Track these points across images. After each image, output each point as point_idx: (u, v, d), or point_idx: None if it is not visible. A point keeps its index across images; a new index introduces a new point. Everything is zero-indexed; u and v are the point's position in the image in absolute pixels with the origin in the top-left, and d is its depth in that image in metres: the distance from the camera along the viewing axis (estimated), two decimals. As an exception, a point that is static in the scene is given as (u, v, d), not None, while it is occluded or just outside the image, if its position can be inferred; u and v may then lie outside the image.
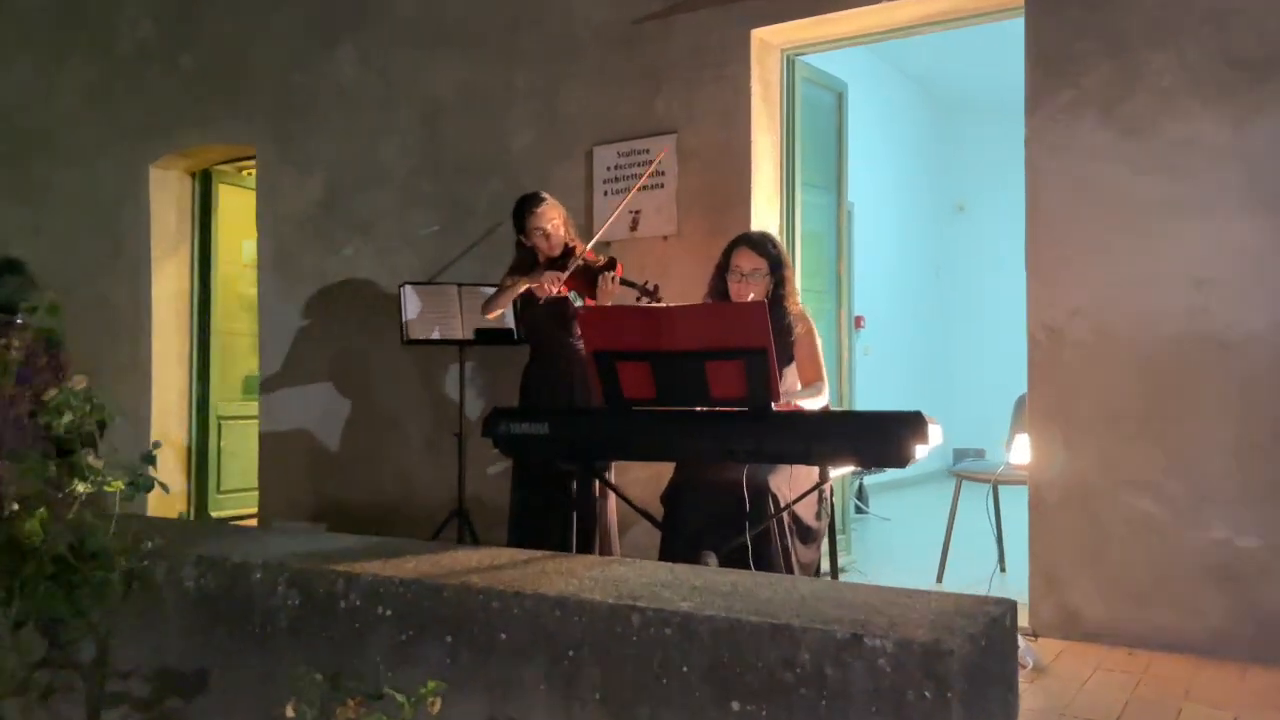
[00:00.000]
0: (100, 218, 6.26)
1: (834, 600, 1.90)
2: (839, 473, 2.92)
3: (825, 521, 3.42)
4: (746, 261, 3.36)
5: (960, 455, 7.42)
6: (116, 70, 6.29)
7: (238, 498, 6.34)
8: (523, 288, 3.84)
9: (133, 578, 2.53)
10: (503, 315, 4.30)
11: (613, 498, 3.88)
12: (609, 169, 4.51)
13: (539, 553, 2.54)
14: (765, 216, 4.28)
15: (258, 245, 5.70)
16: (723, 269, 3.43)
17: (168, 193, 6.17)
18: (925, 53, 7.83)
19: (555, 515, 3.79)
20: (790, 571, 3.19)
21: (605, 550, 3.85)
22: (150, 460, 2.33)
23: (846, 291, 4.95)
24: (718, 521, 3.18)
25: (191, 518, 6.23)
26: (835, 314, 4.85)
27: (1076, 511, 3.44)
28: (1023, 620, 3.61)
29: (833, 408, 3.67)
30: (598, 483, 3.74)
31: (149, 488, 2.40)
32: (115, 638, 2.57)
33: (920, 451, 2.66)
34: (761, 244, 3.41)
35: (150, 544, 2.37)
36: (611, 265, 3.72)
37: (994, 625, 1.78)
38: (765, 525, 3.11)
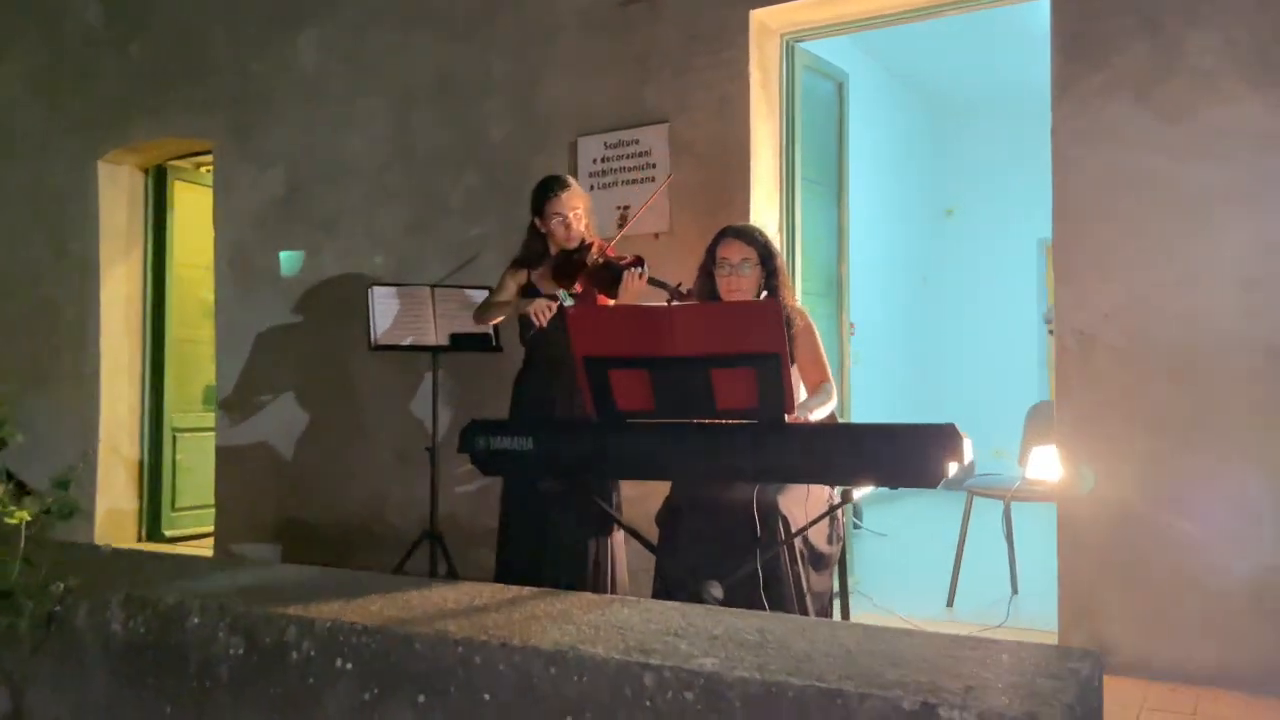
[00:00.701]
0: (45, 216, 5.85)
1: (887, 654, 1.58)
2: (860, 494, 2.61)
3: (839, 546, 3.12)
4: (734, 252, 3.09)
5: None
6: (62, 58, 5.89)
7: (195, 516, 5.94)
8: (511, 308, 3.51)
9: (49, 621, 2.18)
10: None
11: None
12: (595, 161, 4.19)
13: (526, 590, 2.21)
14: (764, 213, 3.97)
15: (215, 244, 5.32)
16: (708, 266, 3.17)
17: (118, 190, 5.77)
18: (915, 52, 7.59)
19: (550, 541, 3.40)
20: (803, 601, 2.88)
21: (604, 584, 3.45)
22: (64, 485, 1.99)
23: (847, 294, 4.66)
24: (720, 546, 2.87)
25: (143, 538, 5.83)
26: (835, 318, 4.55)
27: (1110, 533, 3.15)
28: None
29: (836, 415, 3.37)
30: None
31: (67, 515, 2.06)
32: (32, 688, 2.24)
33: (953, 469, 2.36)
34: (748, 233, 3.16)
35: (63, 585, 2.03)
36: (639, 262, 3.37)
37: (1085, 688, 1.48)
38: (775, 551, 2.79)
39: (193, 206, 5.97)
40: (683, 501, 3.02)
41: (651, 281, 3.31)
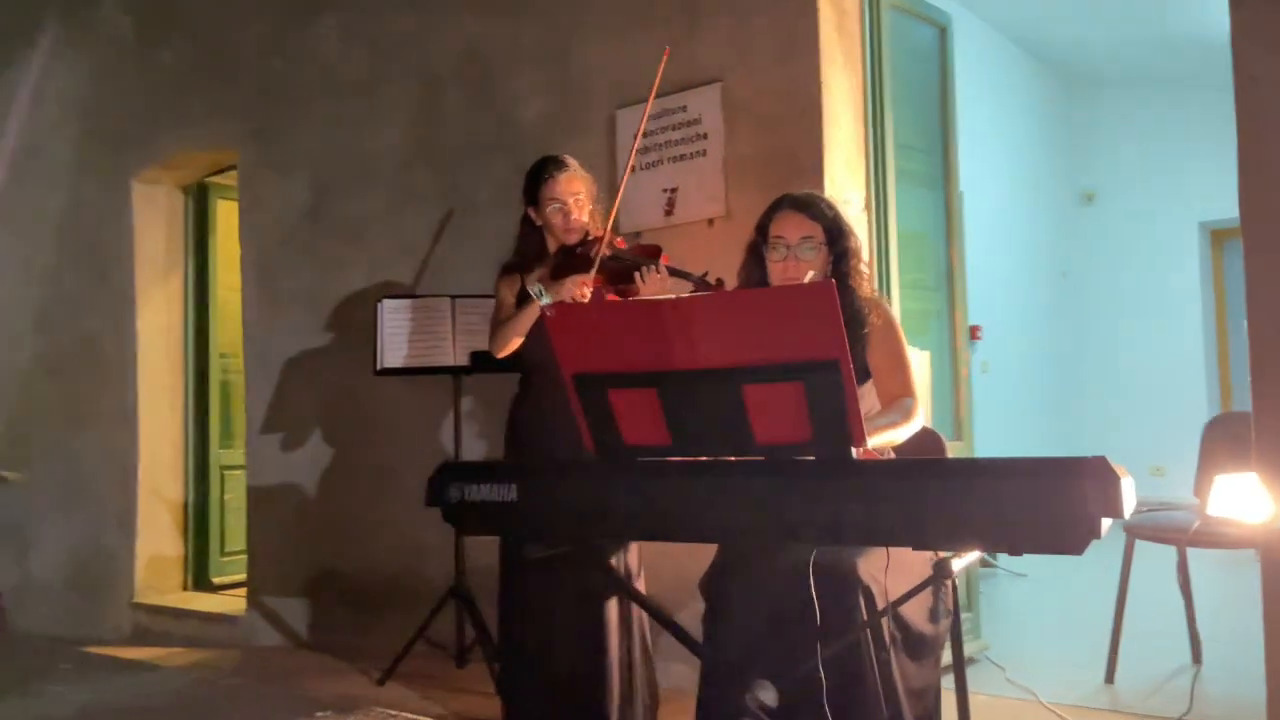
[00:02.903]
0: (82, 244, 5.50)
1: None
2: (962, 563, 1.80)
3: (947, 621, 2.28)
4: (793, 229, 2.33)
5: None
6: (95, 74, 5.53)
7: (245, 561, 5.46)
8: (536, 312, 2.75)
9: None
10: None
11: (640, 583, 2.77)
12: (635, 138, 3.46)
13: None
14: (846, 188, 3.18)
15: (241, 263, 4.83)
16: (758, 246, 2.40)
17: (155, 211, 5.36)
18: (1040, 16, 6.62)
19: (560, 611, 2.67)
20: (894, 704, 2.06)
21: (627, 668, 2.70)
22: None
23: (960, 290, 3.78)
24: (781, 626, 2.10)
25: (189, 586, 5.38)
26: (948, 318, 3.69)
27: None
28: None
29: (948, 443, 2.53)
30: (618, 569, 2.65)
31: None
32: None
33: (1106, 526, 1.54)
34: (811, 204, 2.37)
35: None
36: (654, 255, 2.70)
37: None
38: (853, 638, 2.00)
39: (236, 225, 5.53)
40: (734, 563, 2.26)
41: (672, 273, 2.59)
